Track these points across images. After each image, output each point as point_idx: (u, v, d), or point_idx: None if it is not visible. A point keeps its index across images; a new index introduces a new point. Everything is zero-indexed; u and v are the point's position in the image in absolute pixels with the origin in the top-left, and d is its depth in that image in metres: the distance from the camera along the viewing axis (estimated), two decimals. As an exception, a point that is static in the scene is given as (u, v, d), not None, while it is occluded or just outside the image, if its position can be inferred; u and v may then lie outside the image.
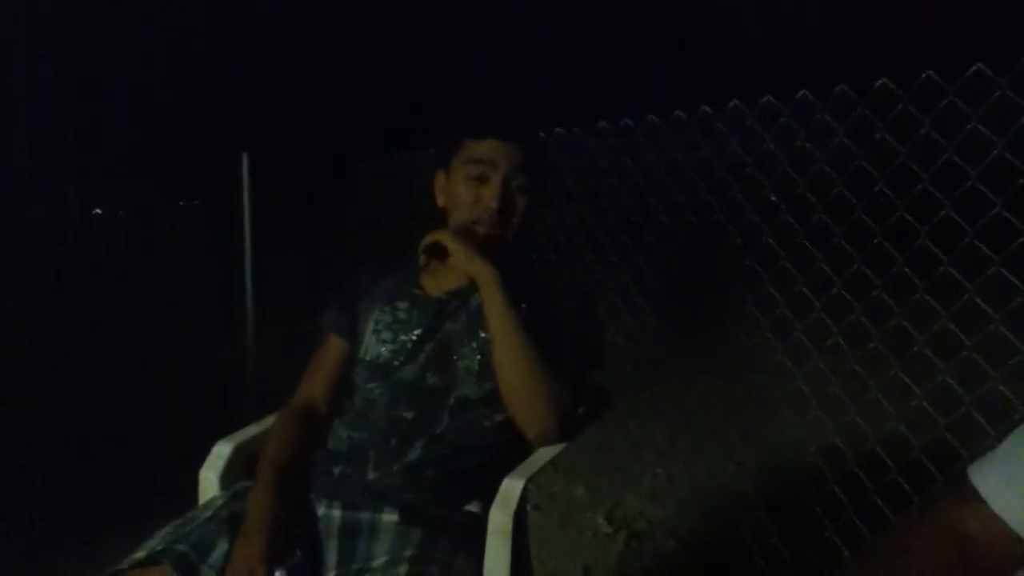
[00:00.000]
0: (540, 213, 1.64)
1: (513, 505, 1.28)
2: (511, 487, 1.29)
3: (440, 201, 1.56)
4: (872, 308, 2.01)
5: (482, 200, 1.46)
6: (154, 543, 1.26)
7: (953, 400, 1.88)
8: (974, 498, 0.92)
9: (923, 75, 1.78)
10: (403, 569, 1.21)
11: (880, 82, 1.87)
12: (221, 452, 1.52)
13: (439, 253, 1.46)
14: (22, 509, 3.11)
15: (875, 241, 1.93)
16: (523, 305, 1.41)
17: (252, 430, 1.58)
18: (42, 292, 6.75)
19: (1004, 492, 0.91)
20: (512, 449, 1.43)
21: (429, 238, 1.46)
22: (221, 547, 1.25)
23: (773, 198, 2.23)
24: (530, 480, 1.31)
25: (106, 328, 6.25)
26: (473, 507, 1.38)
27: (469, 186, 1.47)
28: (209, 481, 1.49)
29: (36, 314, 6.46)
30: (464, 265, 1.43)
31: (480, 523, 1.34)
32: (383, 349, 1.49)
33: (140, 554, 1.24)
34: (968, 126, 1.75)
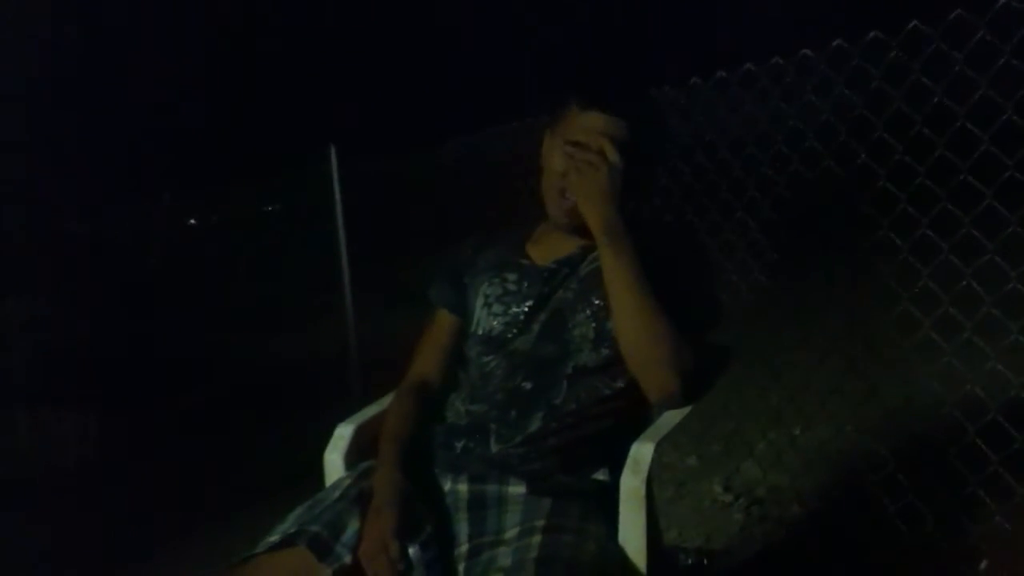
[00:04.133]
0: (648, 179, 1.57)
1: (645, 470, 1.24)
2: (641, 452, 1.26)
3: (542, 162, 1.50)
4: (1006, 247, 1.87)
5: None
6: (287, 526, 1.28)
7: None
8: None
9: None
10: (536, 539, 1.19)
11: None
12: (343, 433, 1.54)
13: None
14: (155, 500, 3.26)
15: (1007, 174, 1.79)
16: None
17: (371, 410, 1.59)
18: (154, 298, 7.09)
19: None
20: (632, 415, 1.39)
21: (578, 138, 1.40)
22: (353, 526, 1.26)
23: (881, 144, 2.10)
24: (659, 444, 1.27)
25: (219, 328, 6.51)
26: (600, 475, 1.35)
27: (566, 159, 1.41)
28: (334, 463, 1.51)
29: (152, 318, 6.78)
30: (597, 207, 1.36)
31: (607, 489, 1.31)
32: (495, 322, 1.46)
33: (274, 538, 1.25)
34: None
